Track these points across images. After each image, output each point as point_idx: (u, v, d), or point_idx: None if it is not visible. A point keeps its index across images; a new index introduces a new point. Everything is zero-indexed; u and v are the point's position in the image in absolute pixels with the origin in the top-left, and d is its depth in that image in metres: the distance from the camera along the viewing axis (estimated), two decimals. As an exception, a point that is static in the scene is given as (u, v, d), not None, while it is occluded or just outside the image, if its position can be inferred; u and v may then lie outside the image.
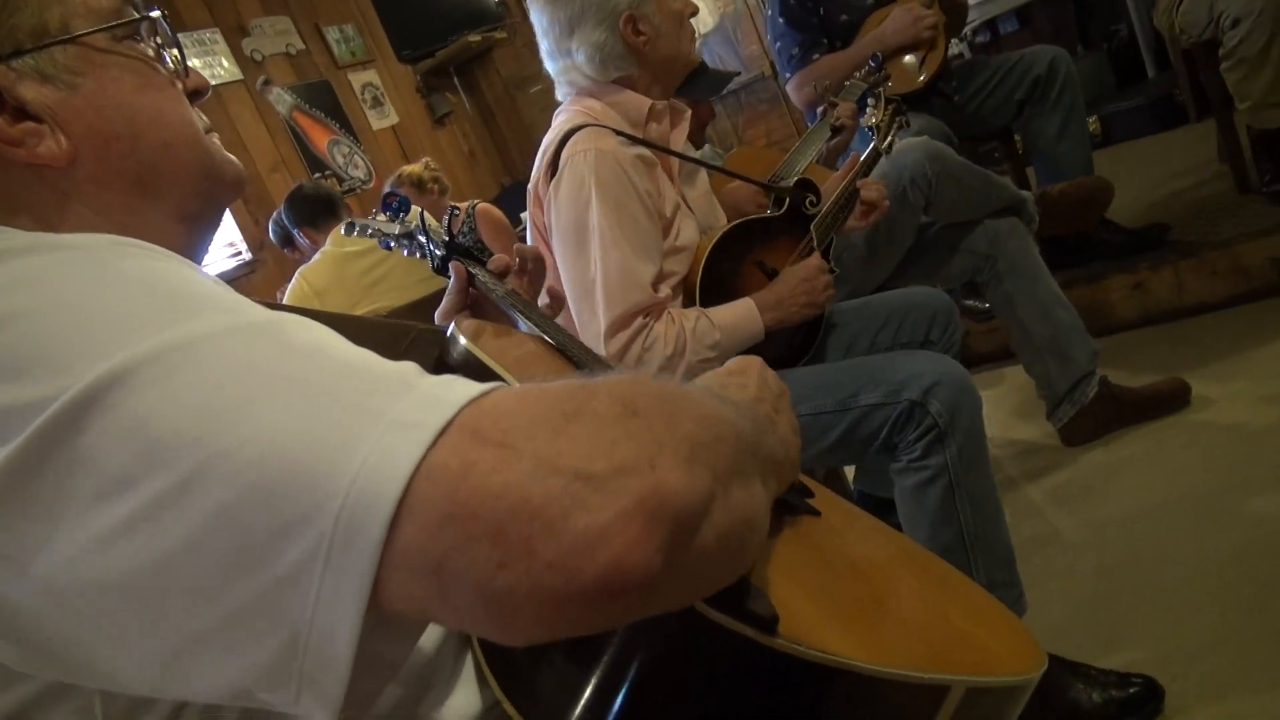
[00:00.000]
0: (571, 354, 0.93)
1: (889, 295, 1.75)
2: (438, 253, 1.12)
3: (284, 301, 2.99)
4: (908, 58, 2.64)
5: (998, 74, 2.68)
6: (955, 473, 1.37)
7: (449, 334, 0.82)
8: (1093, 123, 3.92)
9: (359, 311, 2.78)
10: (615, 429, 0.44)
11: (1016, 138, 3.01)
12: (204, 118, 0.70)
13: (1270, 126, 2.46)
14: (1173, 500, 1.80)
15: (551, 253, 1.49)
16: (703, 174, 1.65)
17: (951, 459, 1.37)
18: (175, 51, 0.68)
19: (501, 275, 1.06)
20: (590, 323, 1.41)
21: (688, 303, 1.50)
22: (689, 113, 1.66)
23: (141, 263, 0.51)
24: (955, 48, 4.09)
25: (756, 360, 0.79)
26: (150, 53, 0.66)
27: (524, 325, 1.00)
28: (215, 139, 0.70)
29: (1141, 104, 4.02)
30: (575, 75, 1.53)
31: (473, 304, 1.08)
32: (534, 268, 1.09)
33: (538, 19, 1.53)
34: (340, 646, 0.42)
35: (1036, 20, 4.81)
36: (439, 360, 0.83)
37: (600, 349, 1.37)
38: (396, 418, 0.43)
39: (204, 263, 0.71)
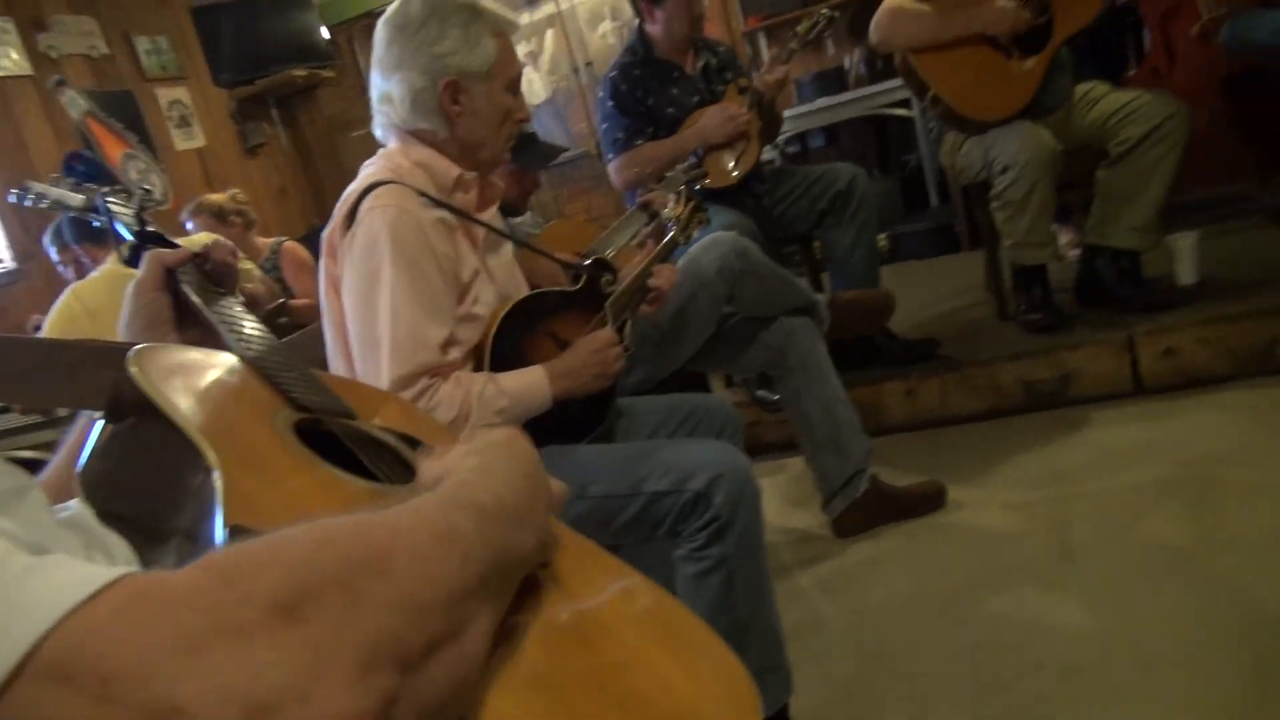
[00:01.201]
0: (282, 381, 0.82)
1: (685, 395, 1.81)
2: (127, 239, 0.97)
3: (51, 319, 2.72)
4: (725, 155, 2.80)
5: (804, 183, 2.88)
6: (733, 564, 1.42)
7: (127, 358, 0.71)
8: (882, 239, 4.26)
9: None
10: (264, 648, 0.36)
11: (815, 244, 3.23)
12: None
13: (1027, 263, 2.78)
14: (925, 594, 1.95)
15: (341, 303, 1.46)
16: (507, 244, 1.67)
17: (730, 551, 1.41)
18: None
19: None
20: (374, 379, 1.39)
21: (477, 368, 1.50)
22: (502, 189, 1.68)
23: None
24: (769, 153, 4.36)
25: (513, 431, 0.74)
26: None
27: (231, 341, 0.88)
28: None
29: (924, 229, 4.43)
30: (388, 109, 1.52)
31: (183, 307, 0.94)
32: (217, 266, 0.95)
33: (376, 41, 1.51)
34: None
35: (842, 139, 5.24)
36: (116, 388, 0.72)
37: None
38: None
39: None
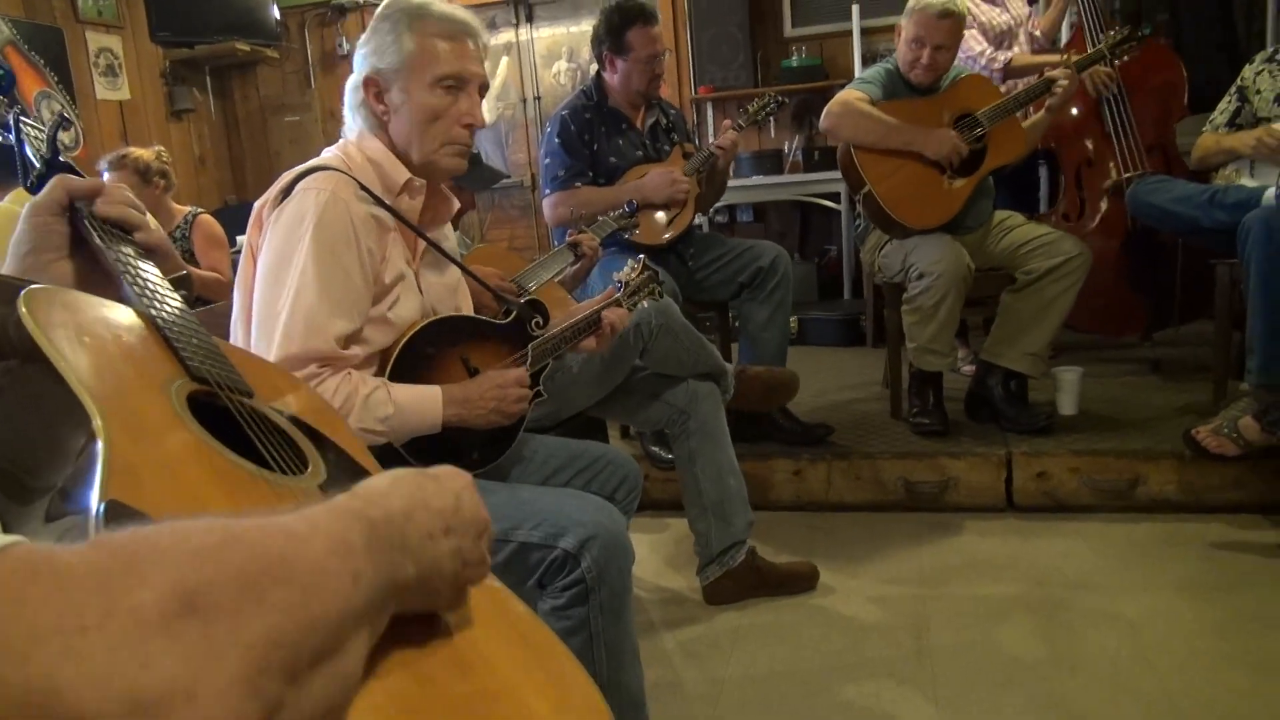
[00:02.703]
0: (182, 348, 0.78)
1: (591, 445, 1.77)
2: (35, 166, 0.92)
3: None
4: (659, 214, 2.84)
5: (730, 253, 2.95)
6: (595, 626, 1.41)
7: (19, 297, 0.67)
8: (793, 321, 4.38)
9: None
10: (156, 638, 0.34)
11: (731, 314, 3.29)
12: None
13: (926, 369, 2.89)
14: (784, 672, 1.97)
15: (254, 273, 1.44)
16: (454, 265, 1.65)
17: (594, 614, 1.40)
18: None
19: (119, 225, 0.88)
20: (264, 353, 1.36)
21: (378, 373, 1.47)
22: (457, 205, 1.67)
23: None
24: (699, 219, 4.45)
25: (467, 480, 0.70)
26: None
27: (130, 294, 0.83)
28: None
29: (833, 318, 4.57)
30: (352, 98, 1.53)
31: (85, 244, 0.88)
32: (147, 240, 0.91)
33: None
34: None
35: (769, 219, 5.40)
36: (1, 325, 0.67)
37: None
38: None
39: None
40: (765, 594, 2.28)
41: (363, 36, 1.51)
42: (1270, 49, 2.98)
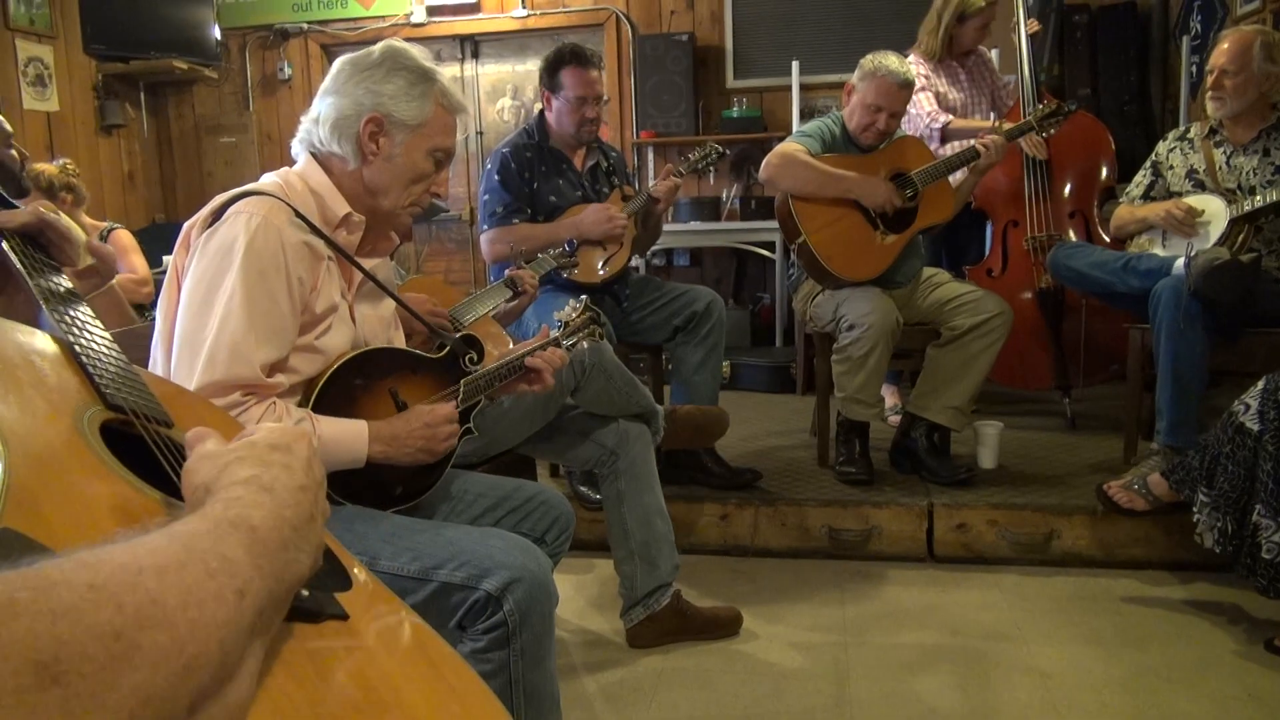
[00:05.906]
0: (98, 375, 0.77)
1: (526, 484, 1.73)
2: None
3: None
4: (596, 254, 2.86)
5: (665, 297, 2.98)
6: (515, 670, 1.38)
7: None
8: (725, 366, 4.42)
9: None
10: (14, 714, 0.32)
11: (664, 356, 3.31)
12: None
13: (853, 418, 2.94)
14: (705, 719, 1.96)
15: (178, 296, 1.41)
16: (389, 300, 1.63)
17: (514, 658, 1.37)
18: None
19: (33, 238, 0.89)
20: (185, 378, 1.33)
21: (302, 403, 1.44)
22: (397, 242, 1.66)
23: None
24: (635, 261, 4.49)
25: (306, 437, 0.69)
26: None
27: (48, 321, 0.83)
28: None
29: (764, 365, 4.63)
30: (312, 128, 1.52)
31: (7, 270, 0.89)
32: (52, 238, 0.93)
33: (330, 73, 1.53)
34: None
35: (705, 264, 5.48)
36: None
37: None
38: None
39: None
40: (689, 638, 2.27)
41: (365, 70, 1.48)
42: (1182, 128, 3.14)
